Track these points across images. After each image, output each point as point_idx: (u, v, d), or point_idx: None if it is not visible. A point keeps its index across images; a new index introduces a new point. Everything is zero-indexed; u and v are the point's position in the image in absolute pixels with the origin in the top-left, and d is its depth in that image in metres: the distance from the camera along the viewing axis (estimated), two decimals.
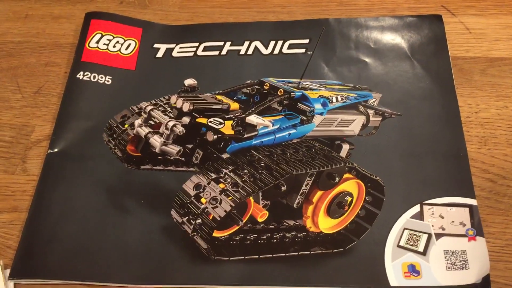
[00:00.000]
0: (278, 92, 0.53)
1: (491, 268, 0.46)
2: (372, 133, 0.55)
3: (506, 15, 0.61)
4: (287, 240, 0.49)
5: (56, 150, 0.55)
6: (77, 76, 0.60)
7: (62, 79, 0.61)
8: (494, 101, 0.55)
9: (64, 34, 0.65)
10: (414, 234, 0.48)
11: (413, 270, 0.46)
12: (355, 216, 0.50)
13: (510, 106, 0.55)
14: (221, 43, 0.61)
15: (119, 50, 0.61)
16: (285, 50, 0.60)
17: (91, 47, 0.62)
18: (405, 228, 0.48)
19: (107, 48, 0.61)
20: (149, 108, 0.51)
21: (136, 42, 0.62)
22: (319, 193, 0.49)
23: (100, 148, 0.54)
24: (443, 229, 0.48)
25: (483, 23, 0.61)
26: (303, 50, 0.60)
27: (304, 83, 0.57)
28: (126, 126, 0.53)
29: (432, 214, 0.49)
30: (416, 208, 0.49)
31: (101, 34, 0.62)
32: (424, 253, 0.47)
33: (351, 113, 0.55)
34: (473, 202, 0.49)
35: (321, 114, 0.54)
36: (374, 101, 0.56)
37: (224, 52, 0.60)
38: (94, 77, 0.59)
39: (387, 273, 0.46)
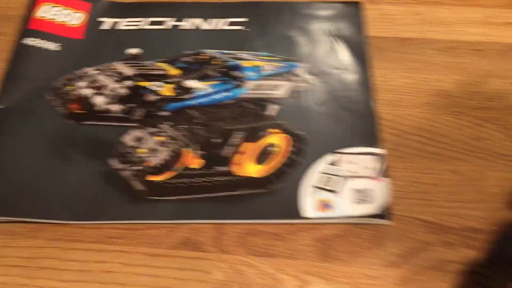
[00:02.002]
0: (215, 61, 0.61)
1: (392, 203, 0.53)
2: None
3: (416, 4, 0.71)
4: (218, 183, 0.55)
5: (1, 107, 0.60)
6: (24, 41, 0.65)
7: (9, 46, 0.66)
8: (402, 72, 0.64)
9: (14, 7, 0.70)
10: (330, 177, 0.55)
11: (326, 205, 0.53)
12: (281, 164, 0.57)
13: (414, 77, 0.64)
14: (165, 19, 0.68)
15: (68, 20, 0.67)
16: (225, 26, 0.68)
17: (39, 16, 0.67)
18: (322, 173, 0.55)
19: (55, 18, 0.67)
20: (94, 72, 0.57)
21: (85, 15, 0.68)
22: (249, 144, 0.56)
23: (44, 105, 0.59)
24: (355, 172, 0.55)
25: (397, 10, 0.70)
26: (242, 27, 0.68)
27: (239, 55, 0.64)
28: (70, 87, 0.59)
29: (348, 161, 0.56)
30: (333, 157, 0.56)
31: (51, 5, 0.68)
32: (336, 191, 0.54)
33: (280, 79, 0.62)
34: (381, 151, 0.57)
35: (253, 80, 0.62)
36: (303, 70, 0.64)
37: (167, 26, 0.67)
38: (41, 43, 0.65)
39: (303, 207, 0.53)
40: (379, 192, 0.54)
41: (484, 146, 0.58)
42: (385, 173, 0.55)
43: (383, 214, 0.52)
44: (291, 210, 0.53)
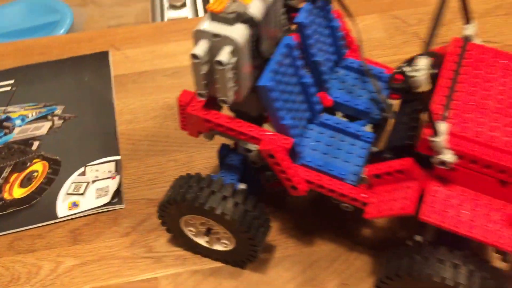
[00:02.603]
0: None
1: (125, 192, 0.72)
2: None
3: (151, 45, 0.93)
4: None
5: None
6: None
7: None
8: (139, 97, 0.85)
9: None
10: (78, 184, 0.73)
11: (74, 204, 0.71)
12: (40, 183, 0.74)
13: (147, 99, 0.84)
14: None
15: None
16: None
17: None
18: (73, 182, 0.73)
19: None
20: None
21: None
22: (15, 174, 0.74)
23: None
24: (97, 177, 0.74)
25: (137, 51, 0.92)
26: (9, 88, 0.85)
27: (9, 108, 0.82)
28: None
29: (93, 170, 0.75)
30: (83, 169, 0.75)
31: None
32: (83, 194, 0.72)
33: (42, 121, 0.81)
34: (118, 158, 0.76)
35: (20, 126, 0.79)
36: (60, 111, 0.82)
37: None
38: None
39: (57, 210, 0.70)
40: (114, 186, 0.73)
41: (194, 138, 0.79)
42: (119, 172, 0.74)
43: (116, 201, 0.71)
44: (50, 214, 0.70)
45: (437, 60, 0.56)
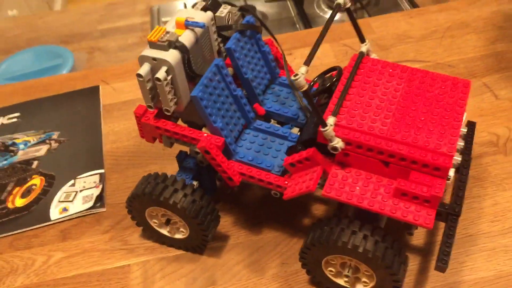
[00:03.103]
0: None
1: (107, 197, 0.86)
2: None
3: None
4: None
5: None
6: None
7: None
8: (123, 122, 1.00)
9: None
10: (68, 194, 0.88)
11: (64, 209, 0.85)
12: (38, 194, 0.89)
13: (131, 123, 0.99)
14: None
15: None
16: (4, 121, 1.02)
17: None
18: (65, 192, 0.88)
19: None
20: None
21: None
22: (18, 188, 0.89)
23: None
24: (84, 187, 0.88)
25: (123, 84, 1.08)
26: (16, 119, 1.02)
27: (15, 135, 0.98)
28: None
29: (81, 181, 0.89)
30: (73, 181, 0.89)
31: None
32: (72, 201, 0.86)
33: (41, 144, 0.96)
34: (102, 171, 0.90)
35: (23, 149, 0.95)
36: (56, 136, 0.98)
37: None
38: None
39: (50, 214, 0.85)
40: (97, 193, 0.87)
41: (167, 153, 0.93)
42: (102, 182, 0.89)
43: (99, 205, 0.85)
44: (44, 218, 0.85)
45: (340, 71, 0.70)
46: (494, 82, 0.99)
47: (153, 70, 0.62)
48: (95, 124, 1.00)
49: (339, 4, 0.64)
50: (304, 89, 0.56)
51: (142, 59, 0.62)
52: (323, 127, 0.60)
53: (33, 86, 1.11)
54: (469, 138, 0.75)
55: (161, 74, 0.61)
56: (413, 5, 1.33)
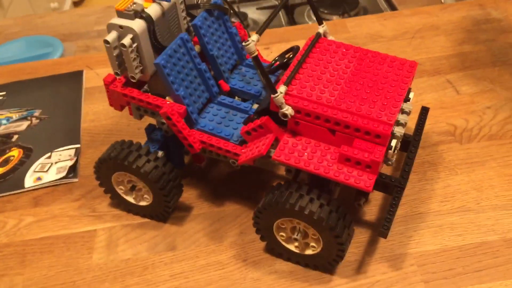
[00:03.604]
0: None
1: (81, 169, 0.90)
2: None
3: None
4: None
5: None
6: None
7: None
8: (103, 103, 1.05)
9: None
10: (44, 165, 0.92)
11: (38, 179, 0.89)
12: (15, 164, 0.93)
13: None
14: None
15: None
16: None
17: None
18: (40, 163, 0.92)
19: None
20: None
21: None
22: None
23: None
24: (60, 159, 0.93)
25: (107, 70, 1.13)
26: (1, 97, 1.06)
27: None
28: None
29: (57, 154, 0.94)
30: (48, 154, 0.94)
31: None
32: (47, 171, 0.91)
33: (22, 120, 1.01)
34: (78, 146, 0.95)
35: (5, 124, 1.00)
36: (38, 113, 1.03)
37: None
38: None
39: (25, 182, 0.89)
40: (71, 165, 0.91)
41: (141, 131, 0.97)
42: (77, 155, 0.93)
43: (72, 175, 0.89)
44: (18, 185, 0.89)
45: (297, 50, 0.75)
46: (457, 79, 1.04)
47: (120, 38, 0.67)
48: (76, 104, 1.05)
49: None
50: (254, 54, 0.61)
51: (110, 27, 0.67)
52: (274, 94, 0.64)
53: (20, 68, 1.16)
54: (421, 121, 0.79)
55: (126, 40, 0.66)
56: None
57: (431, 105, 0.95)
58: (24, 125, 1.01)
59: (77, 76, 1.12)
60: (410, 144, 0.76)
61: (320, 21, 0.75)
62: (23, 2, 2.33)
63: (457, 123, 0.94)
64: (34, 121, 1.01)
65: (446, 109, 0.97)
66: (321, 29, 0.75)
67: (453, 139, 0.91)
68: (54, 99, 1.07)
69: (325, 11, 1.56)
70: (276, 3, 1.66)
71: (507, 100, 0.98)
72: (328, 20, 1.51)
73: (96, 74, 1.13)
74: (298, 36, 1.19)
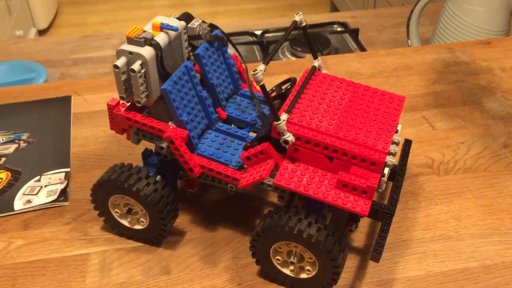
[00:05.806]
0: None
1: (71, 193, 0.90)
2: None
3: (107, 92, 1.15)
4: None
5: None
6: None
7: None
8: (92, 128, 1.06)
9: None
10: (33, 188, 0.92)
11: (28, 201, 0.89)
12: (3, 186, 0.92)
13: (99, 130, 1.05)
14: None
15: None
16: None
17: None
18: (29, 186, 0.92)
19: None
20: None
21: None
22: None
23: None
24: (50, 182, 0.93)
25: (94, 96, 1.14)
26: None
27: None
28: None
29: (47, 178, 0.93)
30: (39, 177, 0.93)
31: None
32: (36, 194, 0.90)
33: (10, 143, 1.00)
34: (68, 169, 0.95)
35: None
36: (25, 137, 1.02)
37: None
38: None
39: (15, 205, 0.88)
40: (62, 188, 0.91)
41: (132, 156, 0.99)
42: (68, 179, 0.93)
43: (62, 199, 0.89)
44: (7, 208, 0.88)
45: (294, 81, 0.80)
46: (432, 115, 1.11)
47: (129, 63, 0.70)
48: (65, 129, 1.05)
49: (295, 22, 0.75)
50: (261, 83, 0.65)
51: (119, 53, 0.70)
52: (277, 121, 0.68)
53: (6, 92, 1.16)
54: (405, 152, 0.85)
55: (136, 66, 0.69)
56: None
57: (409, 139, 1.01)
58: (11, 148, 1.00)
59: (65, 101, 1.13)
60: (396, 173, 0.81)
61: (315, 56, 0.80)
62: None
63: (434, 156, 1.00)
64: (22, 144, 1.01)
65: (424, 143, 1.03)
66: (316, 63, 0.80)
67: (431, 171, 0.97)
68: (42, 123, 1.07)
69: (299, 49, 1.63)
70: (251, 39, 1.73)
71: (479, 136, 1.05)
72: (302, 58, 1.59)
73: (84, 100, 1.14)
74: (280, 70, 1.24)
